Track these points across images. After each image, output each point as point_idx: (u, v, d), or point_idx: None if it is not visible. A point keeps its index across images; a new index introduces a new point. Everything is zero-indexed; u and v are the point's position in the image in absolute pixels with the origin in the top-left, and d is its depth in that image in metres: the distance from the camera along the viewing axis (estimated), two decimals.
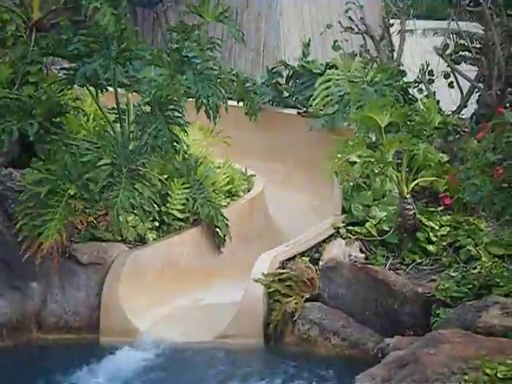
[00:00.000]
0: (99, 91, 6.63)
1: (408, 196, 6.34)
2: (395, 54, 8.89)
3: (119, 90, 6.62)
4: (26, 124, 6.29)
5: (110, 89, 6.70)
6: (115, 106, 6.72)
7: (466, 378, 4.27)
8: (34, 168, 6.38)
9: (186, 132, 6.81)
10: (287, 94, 8.86)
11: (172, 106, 6.40)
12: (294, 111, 8.69)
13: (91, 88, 6.62)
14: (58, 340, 6.28)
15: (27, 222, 6.15)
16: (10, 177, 6.40)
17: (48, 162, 6.40)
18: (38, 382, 5.41)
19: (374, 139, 6.46)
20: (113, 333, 6.25)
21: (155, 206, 6.60)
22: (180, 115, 6.43)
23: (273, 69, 9.12)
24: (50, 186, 6.23)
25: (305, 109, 8.47)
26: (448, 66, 8.42)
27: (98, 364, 5.68)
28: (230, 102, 7.04)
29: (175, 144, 6.53)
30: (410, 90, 7.78)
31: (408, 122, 6.43)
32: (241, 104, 8.53)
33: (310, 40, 9.33)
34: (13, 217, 6.31)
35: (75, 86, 6.67)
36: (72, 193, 6.19)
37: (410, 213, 6.34)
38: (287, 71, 8.90)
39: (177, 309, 6.54)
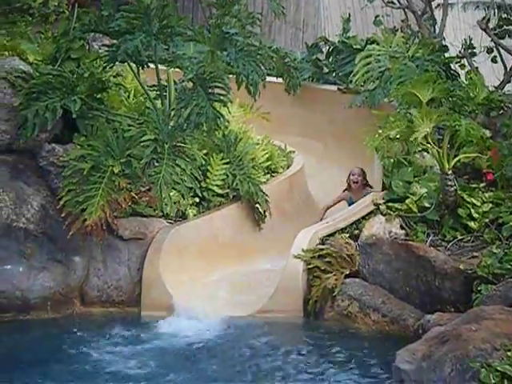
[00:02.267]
0: (140, 67, 6.67)
1: (449, 172, 6.28)
2: (437, 29, 8.76)
3: (160, 66, 6.65)
4: (69, 100, 6.36)
5: (151, 65, 6.74)
6: (156, 83, 6.76)
7: (509, 354, 4.24)
8: (77, 144, 6.45)
9: (227, 108, 6.82)
10: (327, 70, 8.80)
11: (215, 83, 6.41)
12: (333, 87, 8.63)
13: (132, 64, 6.66)
14: (101, 313, 6.37)
15: (71, 199, 6.23)
16: (53, 152, 6.48)
17: (90, 138, 6.47)
18: (81, 351, 5.51)
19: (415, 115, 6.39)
20: (154, 307, 6.32)
21: (196, 181, 6.66)
22: (224, 92, 6.44)
23: (313, 45, 9.06)
24: (93, 162, 6.30)
25: (345, 85, 8.41)
26: (491, 40, 8.28)
27: (141, 336, 5.75)
28: (269, 78, 7.05)
29: (218, 120, 6.56)
30: (452, 66, 7.66)
31: (450, 98, 6.35)
32: (280, 80, 8.50)
33: (349, 15, 9.24)
34: (56, 192, 6.40)
35: (116, 62, 6.73)
36: (116, 170, 6.25)
37: (452, 189, 6.29)
38: (327, 47, 8.83)
39: (217, 284, 6.59)
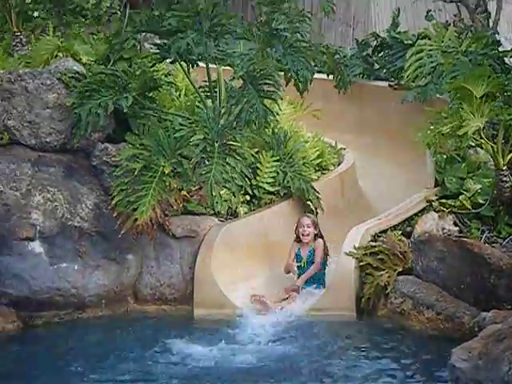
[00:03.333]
0: (191, 66, 6.71)
1: (504, 168, 6.18)
2: (491, 23, 8.61)
3: (210, 65, 6.68)
4: (121, 98, 6.43)
5: (201, 64, 6.78)
6: (206, 81, 6.79)
7: None
8: (129, 143, 6.52)
9: (278, 105, 6.83)
10: (378, 66, 8.73)
11: (265, 80, 6.42)
12: (384, 83, 8.56)
13: (183, 63, 6.70)
14: (154, 311, 6.42)
15: (122, 198, 6.30)
16: (106, 151, 6.56)
17: (142, 137, 6.53)
18: (136, 350, 5.57)
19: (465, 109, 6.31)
20: (207, 305, 6.35)
21: (246, 179, 6.68)
22: (274, 89, 6.44)
23: (363, 41, 9.00)
24: (145, 161, 6.36)
25: (396, 81, 8.33)
26: None
27: (196, 337, 5.78)
28: (319, 76, 7.03)
29: (268, 117, 6.56)
30: (507, 60, 7.53)
31: (504, 93, 6.24)
32: (330, 77, 8.46)
33: (399, 10, 9.15)
34: (109, 191, 6.48)
35: (167, 61, 6.79)
36: (166, 171, 6.30)
37: (507, 185, 6.19)
38: (377, 42, 8.77)
39: (269, 282, 6.59)
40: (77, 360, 5.41)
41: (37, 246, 6.27)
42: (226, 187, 6.50)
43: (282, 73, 6.55)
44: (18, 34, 7.09)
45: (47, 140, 6.48)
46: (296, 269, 6.41)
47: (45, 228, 6.31)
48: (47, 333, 6.02)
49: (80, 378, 5.16)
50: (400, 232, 6.39)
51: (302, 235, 6.47)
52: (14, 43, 7.06)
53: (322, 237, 6.50)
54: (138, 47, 6.79)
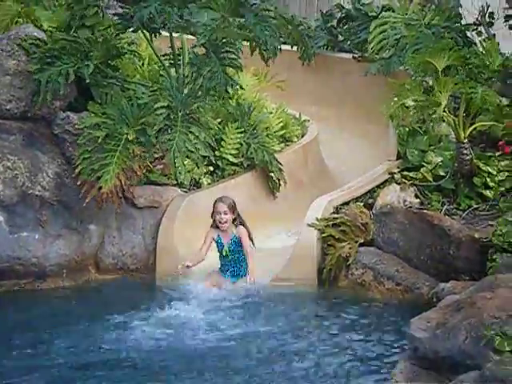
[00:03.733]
0: (153, 35, 6.63)
1: (465, 141, 6.24)
2: None
3: (174, 34, 6.61)
4: (83, 66, 6.35)
5: (164, 33, 6.70)
6: (170, 50, 6.73)
7: None
8: (92, 111, 6.45)
9: (240, 72, 6.78)
10: (342, 38, 8.73)
11: (227, 48, 6.37)
12: (348, 55, 8.57)
13: (145, 32, 6.62)
14: (116, 280, 6.41)
15: (86, 166, 6.25)
16: (67, 120, 6.48)
17: (105, 106, 6.46)
18: (97, 319, 5.53)
19: (430, 83, 6.35)
20: (168, 275, 6.34)
21: (210, 149, 6.65)
22: (235, 57, 6.40)
23: (327, 12, 8.98)
24: (108, 130, 6.30)
25: (360, 53, 8.34)
26: (510, 7, 8.18)
27: (156, 303, 5.78)
28: (284, 47, 7.00)
29: (229, 87, 6.53)
30: (469, 33, 7.58)
31: (466, 66, 6.28)
32: (294, 48, 8.43)
33: None
34: (70, 160, 6.42)
35: (130, 29, 6.70)
36: (130, 138, 6.25)
37: (467, 158, 6.25)
38: (341, 14, 8.75)
39: None
40: (26, 331, 5.35)
41: None
42: (189, 157, 6.48)
43: (246, 42, 6.51)
44: None
45: (7, 107, 6.37)
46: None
47: (5, 196, 6.23)
48: (5, 301, 5.95)
49: (20, 350, 5.07)
50: (362, 204, 6.43)
51: (220, 222, 6.05)
52: None
53: (242, 222, 6.13)
54: (101, 15, 6.68)
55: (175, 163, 6.21)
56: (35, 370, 4.76)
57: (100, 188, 6.17)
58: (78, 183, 6.25)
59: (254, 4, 6.37)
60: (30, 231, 6.26)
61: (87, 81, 6.37)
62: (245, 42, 6.53)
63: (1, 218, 6.20)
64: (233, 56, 6.41)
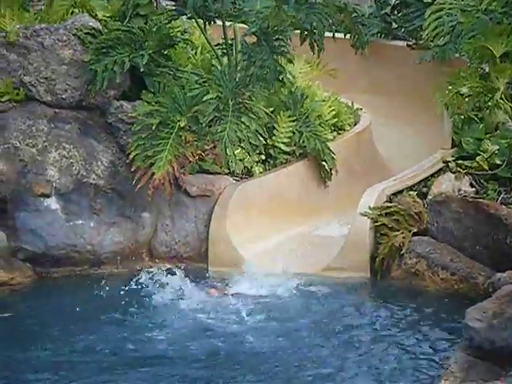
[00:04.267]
0: (207, 23, 6.65)
1: None
2: None
3: (227, 23, 6.62)
4: (137, 56, 6.40)
5: (218, 22, 6.71)
6: (223, 39, 6.74)
7: None
8: (145, 100, 6.51)
9: (291, 63, 6.77)
10: (396, 26, 8.62)
11: (278, 36, 6.36)
12: (402, 43, 8.45)
13: (199, 20, 6.65)
14: (170, 268, 6.46)
15: (139, 153, 6.30)
16: (121, 109, 6.54)
17: (158, 95, 6.51)
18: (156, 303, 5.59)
19: (487, 70, 6.24)
20: (221, 263, 6.39)
21: (261, 139, 6.66)
22: (285, 45, 6.38)
23: None
24: (161, 117, 6.35)
25: (414, 40, 8.23)
26: None
27: (210, 291, 5.82)
28: (336, 35, 6.96)
29: (280, 75, 6.52)
30: None
31: None
32: (347, 36, 8.37)
33: None
34: (124, 148, 6.48)
35: (183, 18, 6.73)
36: (182, 125, 6.30)
37: None
38: (396, 1, 8.65)
39: (283, 241, 6.60)
40: (84, 317, 5.46)
41: (53, 203, 6.30)
42: (240, 146, 6.49)
43: (297, 31, 6.49)
44: None
45: (63, 96, 6.46)
46: None
47: (61, 185, 6.33)
48: (62, 288, 6.06)
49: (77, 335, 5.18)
50: (416, 193, 6.36)
51: None
52: None
53: None
54: (155, 4, 6.73)
55: (227, 153, 6.23)
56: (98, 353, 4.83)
57: (153, 174, 6.22)
58: (132, 170, 6.31)
59: None
60: (85, 219, 6.35)
61: (141, 70, 6.43)
62: (296, 31, 6.51)
63: (57, 206, 6.31)
64: (283, 44, 6.39)
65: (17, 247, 6.20)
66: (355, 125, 7.62)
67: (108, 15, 6.72)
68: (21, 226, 6.22)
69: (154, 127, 6.29)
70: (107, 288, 5.85)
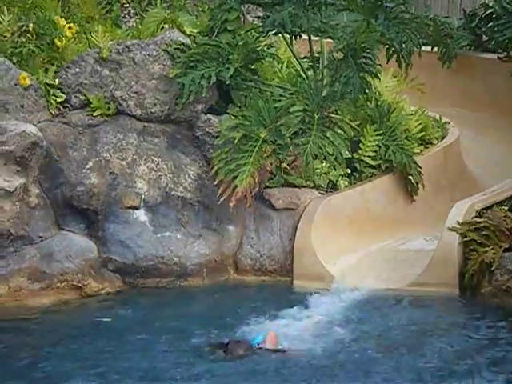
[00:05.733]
0: (293, 38, 6.68)
1: None
2: None
3: (313, 37, 6.63)
4: (224, 69, 6.47)
5: (304, 36, 6.74)
6: (309, 53, 6.75)
7: None
8: (231, 114, 6.57)
9: (378, 78, 6.73)
10: (486, 38, 8.46)
11: (364, 54, 6.33)
12: (493, 55, 8.29)
13: (285, 35, 6.68)
14: (254, 281, 6.49)
15: (223, 167, 6.36)
16: (208, 123, 6.63)
17: (244, 109, 6.57)
18: (239, 318, 5.62)
19: None
20: (306, 277, 6.36)
21: (346, 153, 6.62)
22: (372, 63, 6.35)
23: (471, 11, 8.73)
24: (245, 131, 6.39)
25: (505, 53, 8.05)
26: None
27: (296, 306, 5.80)
28: (424, 48, 6.87)
29: (365, 91, 6.49)
30: None
31: None
32: (435, 50, 8.26)
33: None
34: (211, 162, 6.54)
35: (269, 33, 6.78)
36: (264, 137, 6.32)
37: None
38: (485, 12, 8.48)
39: (369, 255, 6.54)
40: (171, 328, 5.53)
41: (141, 215, 6.41)
42: (325, 159, 6.48)
43: (383, 46, 6.44)
44: (127, 5, 7.25)
45: (152, 110, 6.59)
46: None
47: (149, 197, 6.44)
48: (150, 299, 6.15)
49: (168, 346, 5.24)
50: (507, 208, 6.21)
51: None
52: (122, 15, 7.21)
53: None
54: (242, 19, 6.80)
55: (307, 167, 6.23)
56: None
57: (235, 187, 6.27)
58: (215, 183, 6.37)
59: (390, 6, 6.29)
60: (172, 231, 6.43)
61: (227, 83, 6.49)
62: (381, 45, 6.46)
63: (146, 218, 6.42)
64: (370, 62, 6.36)
65: (107, 258, 6.33)
66: (443, 139, 7.51)
67: (196, 30, 6.83)
68: (110, 238, 6.34)
69: (236, 141, 6.34)
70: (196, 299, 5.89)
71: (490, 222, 6.06)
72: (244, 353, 4.93)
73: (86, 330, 5.54)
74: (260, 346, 5.05)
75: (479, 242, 6.02)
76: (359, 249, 6.57)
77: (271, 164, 6.42)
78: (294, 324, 5.45)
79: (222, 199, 6.31)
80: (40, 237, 6.17)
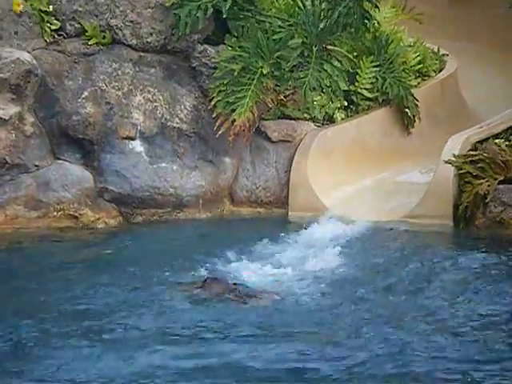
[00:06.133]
0: None
1: None
2: None
3: None
4: (221, 1, 6.37)
5: None
6: None
7: None
8: (228, 45, 6.50)
9: (377, 8, 6.65)
10: None
11: None
12: None
13: None
14: (250, 213, 6.52)
15: (221, 99, 6.33)
16: (205, 53, 6.56)
17: (241, 39, 6.49)
18: (235, 247, 5.62)
19: None
20: (301, 208, 6.40)
21: (344, 85, 6.58)
22: None
23: None
24: (243, 63, 6.34)
25: None
26: None
27: (292, 235, 5.85)
28: None
29: (366, 21, 6.42)
30: None
31: None
32: None
33: None
34: (207, 93, 6.51)
35: None
36: (264, 71, 6.28)
37: None
38: None
39: (364, 188, 6.57)
40: (166, 257, 5.51)
41: (137, 145, 6.41)
42: (323, 92, 6.44)
43: None
44: None
45: (148, 40, 6.51)
46: None
47: (145, 128, 6.43)
48: (146, 229, 6.18)
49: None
50: (503, 141, 6.21)
51: None
52: None
53: None
54: None
55: (306, 99, 6.18)
56: None
57: (234, 121, 6.24)
58: (213, 116, 6.34)
59: None
60: (168, 162, 6.44)
61: (224, 15, 6.41)
62: None
63: (141, 149, 6.42)
64: None
65: (103, 188, 6.35)
66: (441, 71, 7.46)
67: None
68: (106, 168, 6.36)
69: (235, 73, 6.29)
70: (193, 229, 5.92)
71: (486, 154, 6.08)
72: (221, 291, 4.84)
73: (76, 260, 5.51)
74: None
75: (474, 174, 6.04)
76: (354, 181, 6.60)
77: (272, 100, 6.39)
78: (287, 252, 5.49)
79: (219, 132, 6.30)
80: (36, 165, 6.19)
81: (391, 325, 4.39)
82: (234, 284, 4.87)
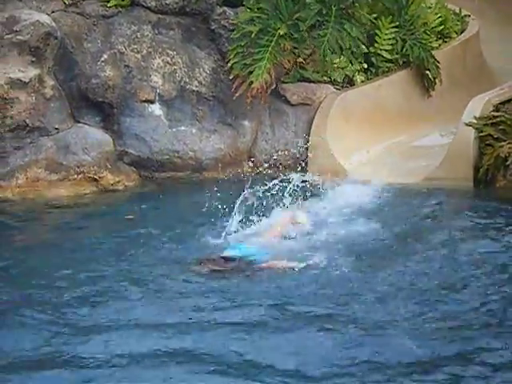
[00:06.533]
0: None
1: None
2: None
3: None
4: None
5: None
6: None
7: None
8: (247, 7, 6.45)
9: None
10: None
11: None
12: None
13: None
14: (269, 175, 6.50)
15: (239, 61, 6.30)
16: (224, 15, 6.52)
17: (260, 1, 6.44)
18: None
19: None
20: (320, 172, 6.37)
21: (363, 46, 6.52)
22: None
23: None
24: (262, 25, 6.29)
25: None
26: None
27: (310, 198, 5.84)
28: None
29: None
30: None
31: None
32: None
33: None
34: (226, 56, 6.48)
35: None
36: (282, 32, 6.23)
37: None
38: None
39: (383, 151, 6.55)
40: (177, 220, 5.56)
41: (156, 109, 6.41)
42: (341, 54, 6.39)
43: None
44: None
45: (167, 2, 6.48)
46: None
47: (164, 91, 6.42)
48: (165, 191, 6.19)
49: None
50: None
51: None
52: None
53: None
54: None
55: (325, 60, 6.14)
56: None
57: (251, 83, 6.22)
58: (230, 77, 6.31)
59: None
60: (187, 125, 6.44)
61: None
62: None
63: (160, 112, 6.42)
64: None
65: (122, 151, 6.38)
66: (462, 32, 7.37)
67: None
68: (126, 131, 6.37)
69: (253, 35, 6.24)
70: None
71: (507, 116, 6.02)
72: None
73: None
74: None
75: (495, 136, 5.99)
76: (374, 144, 6.57)
77: (289, 62, 6.33)
78: (307, 214, 5.49)
79: (236, 94, 6.28)
80: (56, 128, 6.21)
81: None
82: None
